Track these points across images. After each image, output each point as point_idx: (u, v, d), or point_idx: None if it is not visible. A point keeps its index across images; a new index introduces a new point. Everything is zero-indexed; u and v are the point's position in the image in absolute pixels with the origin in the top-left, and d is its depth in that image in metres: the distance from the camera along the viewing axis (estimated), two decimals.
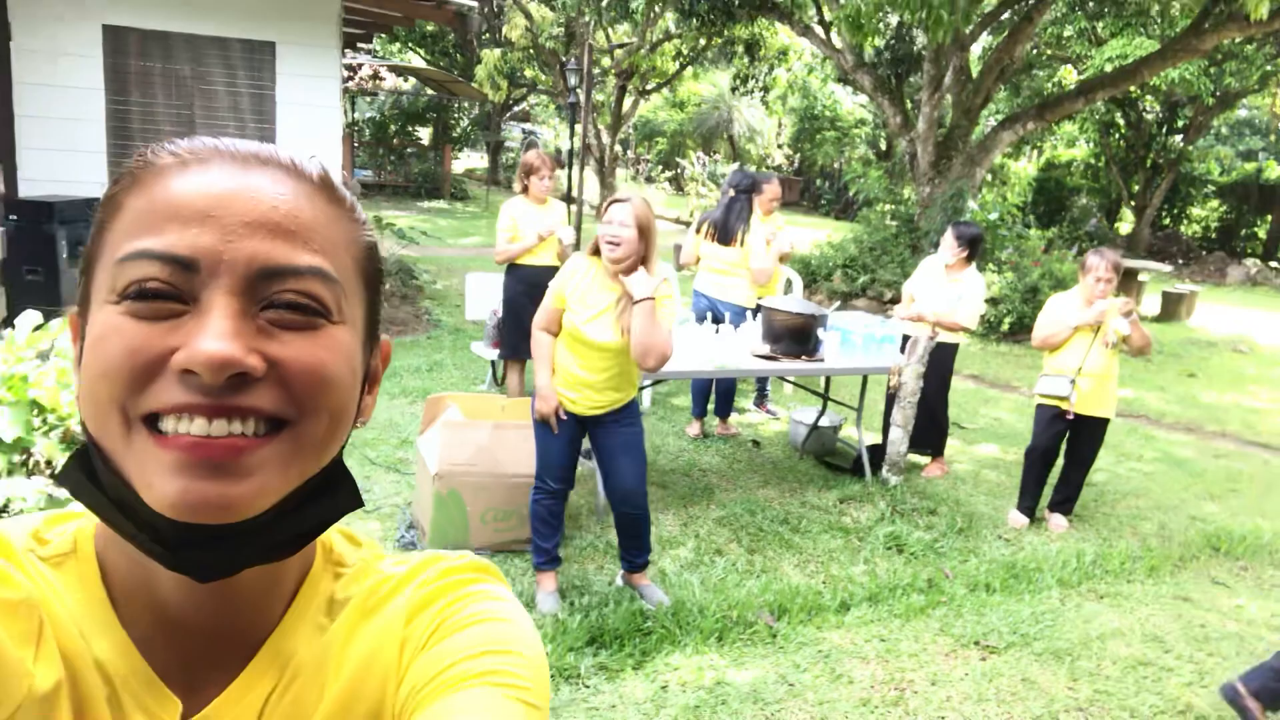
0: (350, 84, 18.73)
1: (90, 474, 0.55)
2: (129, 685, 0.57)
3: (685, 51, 20.75)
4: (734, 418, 6.28)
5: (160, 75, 7.15)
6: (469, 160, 28.04)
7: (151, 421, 0.51)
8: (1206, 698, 3.36)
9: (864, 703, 3.20)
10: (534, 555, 3.72)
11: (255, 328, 0.52)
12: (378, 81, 22.99)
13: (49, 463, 3.53)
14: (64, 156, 6.87)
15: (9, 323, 5.94)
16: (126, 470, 0.52)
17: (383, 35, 16.15)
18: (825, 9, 12.38)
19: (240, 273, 0.52)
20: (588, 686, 3.16)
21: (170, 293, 0.51)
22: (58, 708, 0.53)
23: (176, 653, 0.59)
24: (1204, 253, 20.55)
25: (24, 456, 3.53)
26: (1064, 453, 4.92)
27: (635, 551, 3.76)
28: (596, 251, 3.43)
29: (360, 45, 12.70)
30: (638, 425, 3.66)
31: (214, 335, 0.50)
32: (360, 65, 19.76)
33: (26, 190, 6.67)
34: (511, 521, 4.08)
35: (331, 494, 0.59)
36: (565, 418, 3.54)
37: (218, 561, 0.54)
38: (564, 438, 3.57)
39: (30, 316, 4.01)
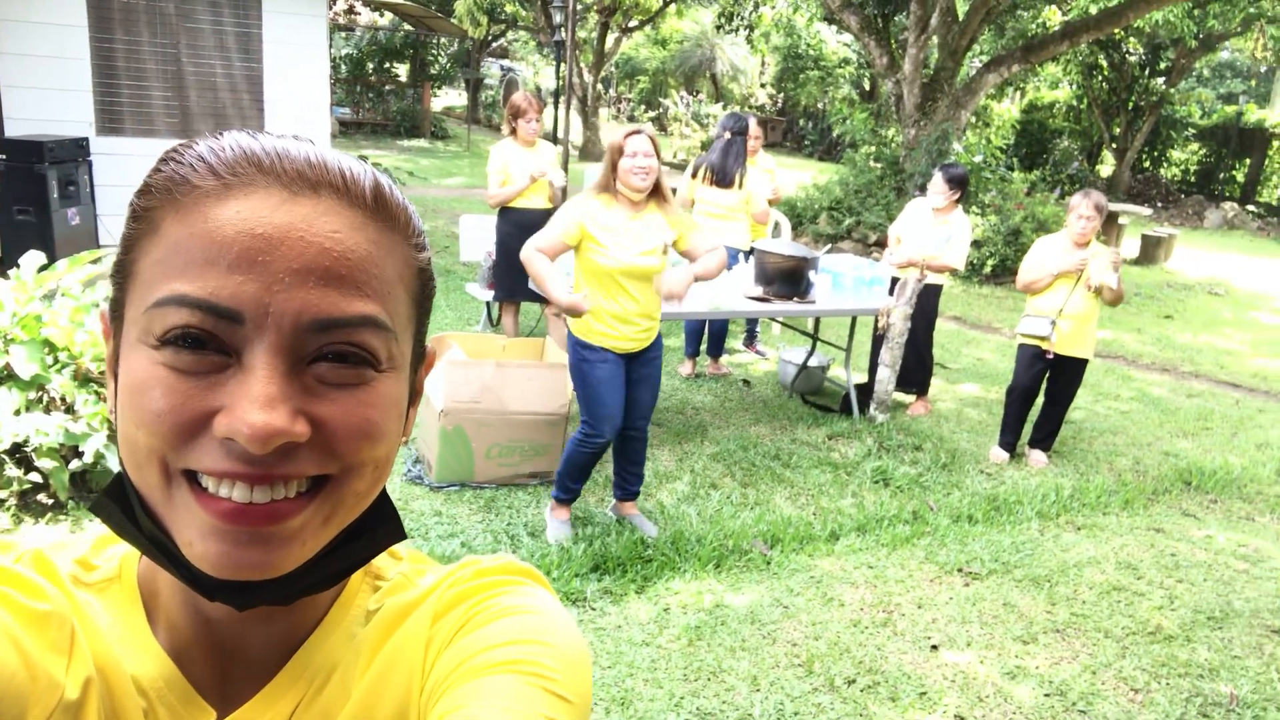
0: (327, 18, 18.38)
1: (126, 508, 0.55)
2: (165, 698, 0.57)
3: None
4: (724, 358, 6.41)
5: (145, 12, 7.06)
6: (448, 98, 27.66)
7: (191, 475, 0.50)
8: (1175, 619, 3.58)
9: (855, 623, 3.39)
10: (558, 490, 3.83)
11: (301, 386, 0.50)
12: (353, 16, 22.58)
13: (64, 399, 3.62)
14: (50, 95, 6.81)
15: (4, 263, 5.95)
16: (165, 520, 0.52)
17: None
18: None
19: (288, 327, 0.49)
20: (594, 609, 3.33)
21: (211, 343, 0.49)
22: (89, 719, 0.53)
23: (213, 665, 0.59)
24: (1183, 196, 20.73)
25: (39, 394, 3.61)
26: (1044, 391, 5.09)
27: (633, 478, 3.91)
28: (604, 189, 3.54)
29: None
30: (661, 352, 3.80)
31: (259, 404, 0.48)
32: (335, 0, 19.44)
33: (12, 130, 6.62)
34: (514, 457, 4.22)
35: (373, 531, 0.59)
36: (610, 360, 3.56)
37: (254, 601, 0.54)
38: (617, 384, 3.60)
39: (34, 257, 4.07)
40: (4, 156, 6.14)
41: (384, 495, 0.60)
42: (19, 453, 3.45)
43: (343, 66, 22.34)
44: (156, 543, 0.53)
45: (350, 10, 22.14)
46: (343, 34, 22.29)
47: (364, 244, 0.52)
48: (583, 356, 3.60)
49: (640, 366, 3.67)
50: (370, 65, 22.60)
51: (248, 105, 7.60)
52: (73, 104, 6.88)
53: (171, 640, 0.59)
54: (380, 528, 0.59)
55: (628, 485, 3.93)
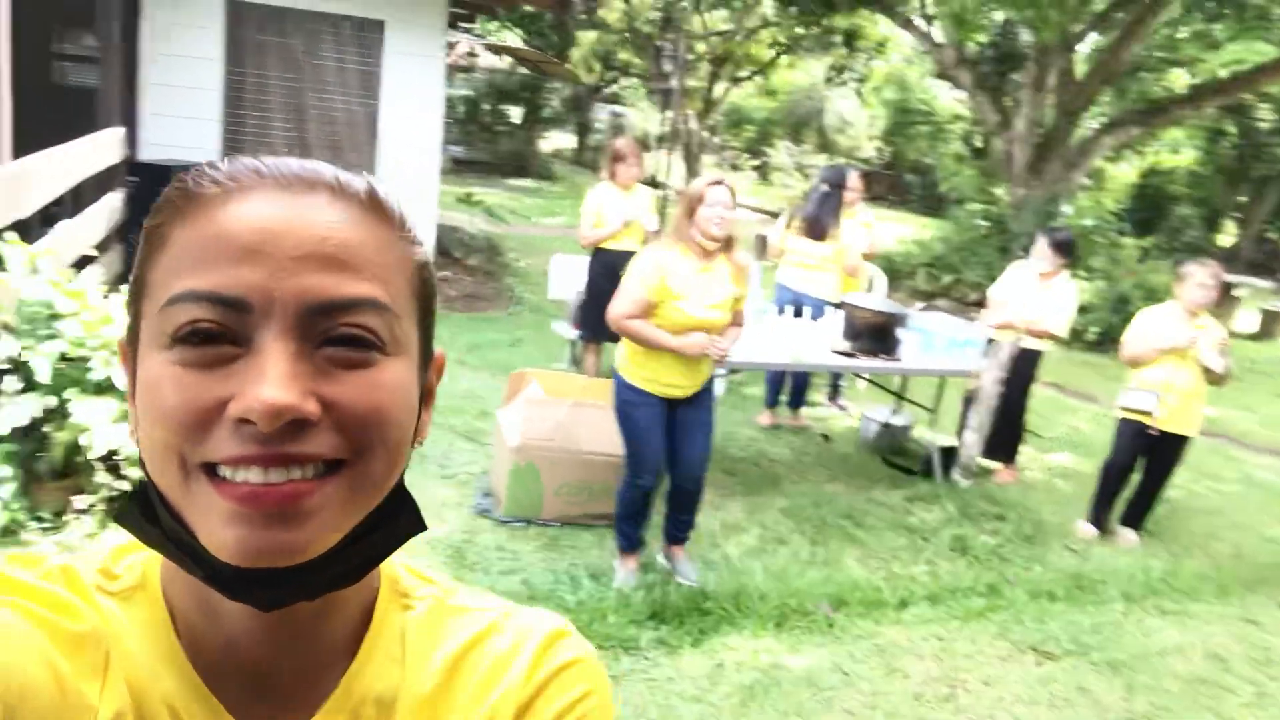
0: (447, 61, 19.12)
1: (149, 514, 0.55)
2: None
3: (781, 40, 20.62)
4: (805, 410, 6.33)
5: (275, 49, 7.48)
6: (557, 140, 28.32)
7: (210, 468, 0.51)
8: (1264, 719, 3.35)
9: (916, 697, 3.27)
10: (620, 539, 3.84)
11: (311, 368, 0.51)
12: (473, 59, 23.37)
13: None
14: (182, 123, 7.25)
15: (125, 279, 6.33)
16: (186, 515, 0.52)
17: (484, 15, 16.43)
18: (928, 2, 12.21)
19: (293, 310, 0.51)
20: (647, 659, 3.30)
21: (222, 335, 0.51)
22: None
23: (245, 688, 0.58)
24: None
25: None
26: (1141, 467, 4.87)
27: (683, 525, 3.90)
28: (679, 237, 3.56)
29: (461, 24, 12.97)
30: (713, 398, 3.81)
31: (270, 382, 0.49)
32: (456, 43, 20.18)
33: (146, 154, 7.06)
34: (583, 496, 4.24)
35: (393, 521, 0.59)
36: (654, 405, 3.59)
37: (280, 596, 0.54)
38: (659, 430, 3.63)
39: None
40: (135, 179, 6.55)
41: (402, 486, 0.60)
42: (110, 460, 3.64)
43: (460, 106, 23.13)
44: (178, 540, 0.54)
45: (471, 53, 22.92)
46: (462, 75, 23.07)
47: (361, 234, 0.54)
48: (627, 399, 3.63)
49: (689, 411, 3.67)
50: (486, 106, 23.33)
51: (363, 139, 7.94)
52: (202, 132, 7.31)
53: (201, 659, 0.58)
54: (401, 518, 0.59)
55: (676, 531, 3.92)
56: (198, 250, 0.52)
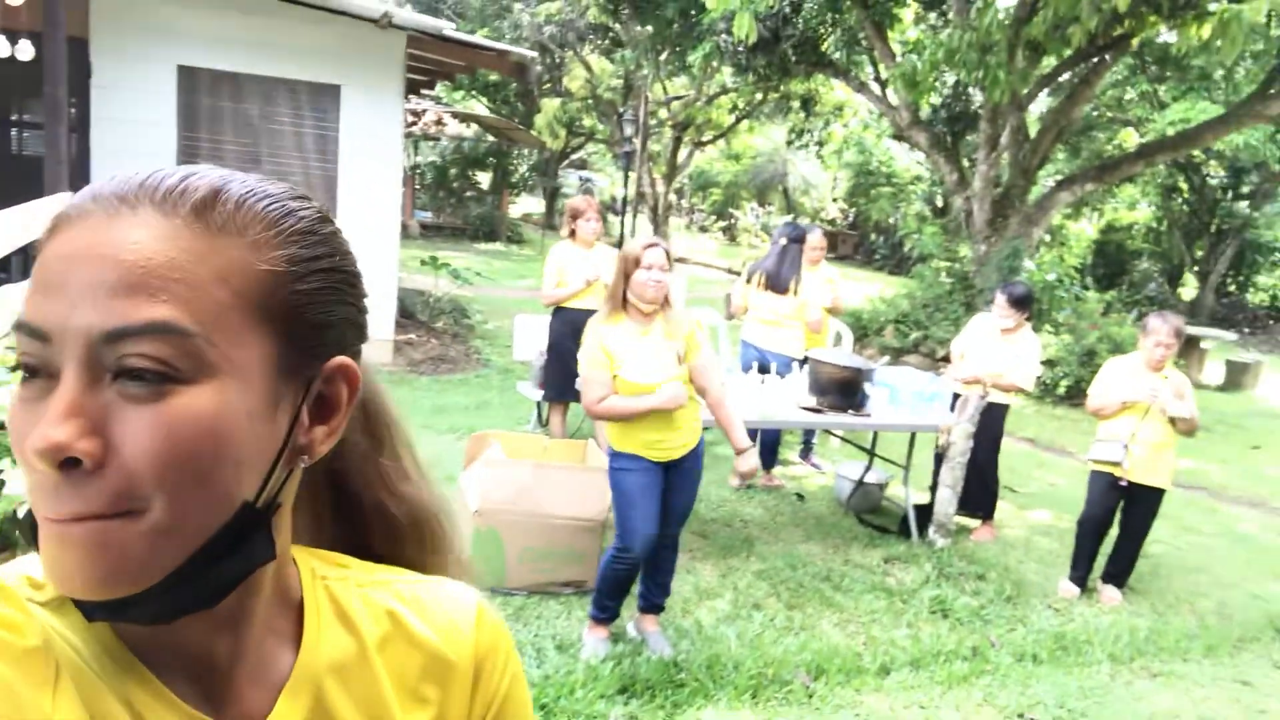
0: (415, 128, 19.19)
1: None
2: (162, 717, 0.55)
3: (741, 105, 20.96)
4: (778, 469, 6.19)
5: (230, 114, 7.39)
6: (526, 205, 28.48)
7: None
8: None
9: None
10: (595, 609, 3.65)
11: (101, 403, 0.50)
12: (440, 127, 23.54)
13: None
14: None
15: None
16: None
17: (446, 82, 16.47)
18: (881, 67, 12.44)
19: (82, 341, 0.49)
20: None
21: (39, 368, 0.51)
22: None
23: (197, 679, 0.58)
24: (1271, 322, 20.01)
25: None
26: (1118, 523, 4.77)
27: (657, 590, 3.71)
28: (614, 304, 3.45)
29: (424, 91, 13.01)
30: (702, 457, 3.68)
31: (47, 419, 0.48)
32: (424, 111, 20.31)
33: None
34: (548, 564, 4.05)
35: (244, 548, 0.56)
36: (648, 469, 3.43)
37: (126, 618, 0.53)
38: (653, 495, 3.45)
39: None
40: None
41: (249, 512, 0.55)
42: None
43: (427, 173, 23.19)
44: None
45: (438, 121, 23.08)
46: (430, 142, 23.19)
47: (168, 250, 0.51)
48: (619, 467, 3.46)
49: (679, 475, 3.53)
50: (454, 172, 23.43)
51: (322, 202, 7.81)
52: None
53: (145, 657, 0.57)
54: (253, 545, 0.57)
55: (650, 596, 3.73)
56: (32, 280, 0.52)
